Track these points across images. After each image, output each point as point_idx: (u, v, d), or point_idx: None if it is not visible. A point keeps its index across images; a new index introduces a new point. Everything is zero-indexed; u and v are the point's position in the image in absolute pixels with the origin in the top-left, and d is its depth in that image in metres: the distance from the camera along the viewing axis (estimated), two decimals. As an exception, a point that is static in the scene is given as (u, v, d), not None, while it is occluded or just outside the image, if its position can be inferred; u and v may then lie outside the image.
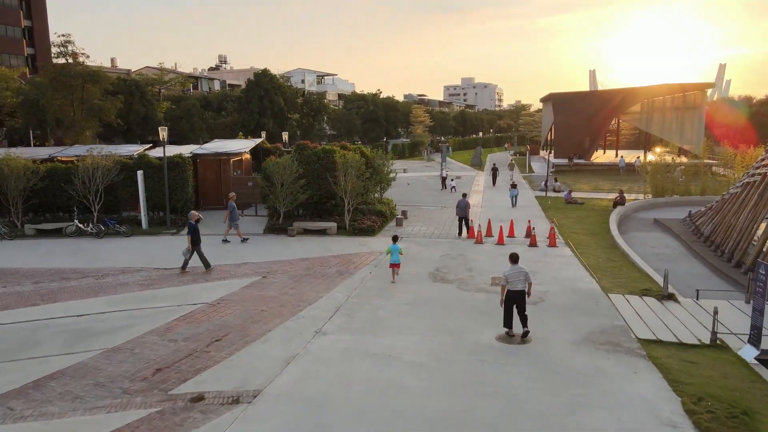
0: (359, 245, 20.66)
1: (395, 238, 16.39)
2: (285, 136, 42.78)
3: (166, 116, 53.76)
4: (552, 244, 20.39)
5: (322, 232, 22.48)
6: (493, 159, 72.96)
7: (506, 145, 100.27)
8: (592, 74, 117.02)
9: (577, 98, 55.08)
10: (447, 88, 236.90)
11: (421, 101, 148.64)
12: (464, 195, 24.23)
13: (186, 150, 26.75)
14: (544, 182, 38.48)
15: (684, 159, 51.59)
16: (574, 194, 34.42)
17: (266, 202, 23.05)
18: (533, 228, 21.71)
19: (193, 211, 18.06)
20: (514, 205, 32.86)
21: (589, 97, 53.82)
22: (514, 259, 12.08)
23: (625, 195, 29.17)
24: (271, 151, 29.90)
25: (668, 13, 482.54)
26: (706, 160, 50.39)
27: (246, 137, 43.71)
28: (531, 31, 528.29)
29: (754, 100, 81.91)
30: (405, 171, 54.88)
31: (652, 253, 20.47)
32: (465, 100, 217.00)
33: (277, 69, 70.63)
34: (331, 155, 23.32)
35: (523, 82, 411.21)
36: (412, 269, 17.04)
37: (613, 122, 56.60)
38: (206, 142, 34.22)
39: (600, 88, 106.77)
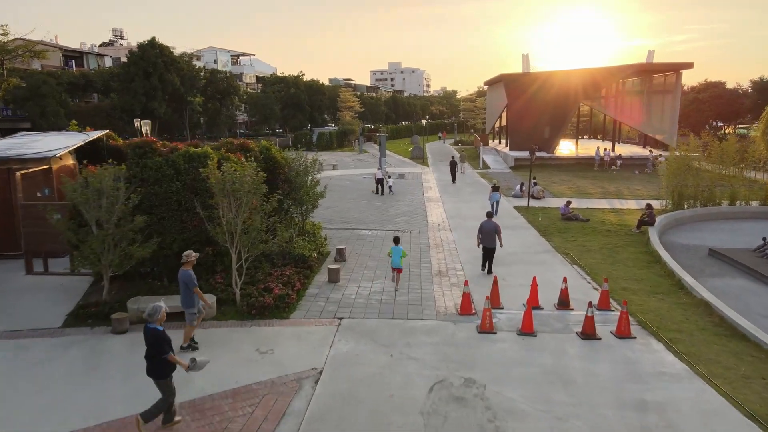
0: (256, 355, 10.21)
1: (396, 240, 14.38)
2: (142, 125, 30.08)
3: (10, 96, 39.97)
4: (623, 331, 10.93)
5: (183, 316, 11.67)
6: (432, 150, 63.85)
7: (440, 134, 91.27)
8: (526, 59, 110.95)
9: (534, 80, 47.01)
10: (374, 72, 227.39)
11: (348, 86, 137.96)
12: (488, 216, 16.04)
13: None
14: (519, 186, 29.46)
15: (657, 152, 44.68)
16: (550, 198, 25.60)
17: (77, 262, 11.84)
18: (566, 287, 12.42)
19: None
20: (495, 213, 24.00)
21: (549, 79, 46.01)
22: None
23: (654, 212, 20.51)
24: (121, 152, 18.50)
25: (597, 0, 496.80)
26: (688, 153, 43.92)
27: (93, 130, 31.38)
28: (455, 17, 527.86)
29: (686, 87, 78.20)
30: (335, 167, 44.44)
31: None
32: (392, 86, 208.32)
33: (185, 47, 57.63)
34: (200, 162, 12.62)
35: (450, 68, 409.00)
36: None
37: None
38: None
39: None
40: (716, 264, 16.85)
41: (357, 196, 30.29)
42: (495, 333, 11.05)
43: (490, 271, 15.32)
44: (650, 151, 41.02)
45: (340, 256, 16.43)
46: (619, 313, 11.22)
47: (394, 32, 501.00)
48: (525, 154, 44.19)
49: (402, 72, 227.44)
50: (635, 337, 10.82)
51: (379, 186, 30.93)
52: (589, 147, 53.87)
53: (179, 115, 53.01)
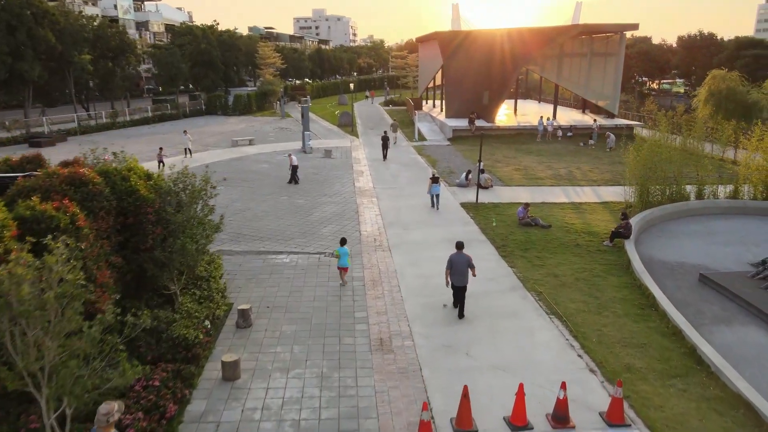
0: None
1: (343, 241, 14.19)
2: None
3: None
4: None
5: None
6: (362, 114, 58.82)
7: (368, 93, 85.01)
8: (455, 9, 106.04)
9: (472, 40, 42.73)
10: (297, 20, 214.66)
11: (270, 35, 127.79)
12: (458, 248, 12.49)
13: None
14: (464, 174, 25.60)
15: (600, 119, 42.29)
16: (499, 186, 22.12)
17: None
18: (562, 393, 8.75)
19: None
20: (435, 207, 21.13)
21: (487, 39, 41.88)
22: None
23: (630, 222, 17.23)
24: None
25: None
26: (626, 121, 41.88)
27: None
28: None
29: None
30: (251, 142, 38.81)
31: None
32: (317, 35, 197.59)
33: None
34: None
35: (376, 15, 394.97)
36: None
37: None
38: None
39: (465, 27, 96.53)
40: (712, 297, 13.84)
41: (275, 188, 25.32)
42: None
43: (462, 315, 12.26)
44: (594, 120, 38.40)
45: (244, 319, 11.90)
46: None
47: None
48: (464, 123, 40.47)
49: (327, 20, 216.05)
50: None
51: (293, 174, 26.09)
52: (527, 110, 50.94)
53: (61, 78, 44.56)
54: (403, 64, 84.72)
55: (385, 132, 35.05)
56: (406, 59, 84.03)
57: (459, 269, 12.12)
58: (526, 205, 19.50)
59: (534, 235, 18.24)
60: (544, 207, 21.70)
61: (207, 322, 11.33)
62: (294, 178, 26.05)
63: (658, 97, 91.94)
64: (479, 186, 23.25)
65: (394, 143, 36.85)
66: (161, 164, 28.08)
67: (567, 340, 11.36)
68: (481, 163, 27.44)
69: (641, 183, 20.81)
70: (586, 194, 24.07)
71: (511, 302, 13.14)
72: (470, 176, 25.30)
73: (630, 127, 41.17)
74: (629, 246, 16.25)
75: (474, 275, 12.26)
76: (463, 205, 22.10)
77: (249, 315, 11.97)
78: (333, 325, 12.01)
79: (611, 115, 43.58)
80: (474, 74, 42.94)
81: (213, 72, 64.12)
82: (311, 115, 58.24)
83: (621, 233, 16.84)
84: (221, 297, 12.62)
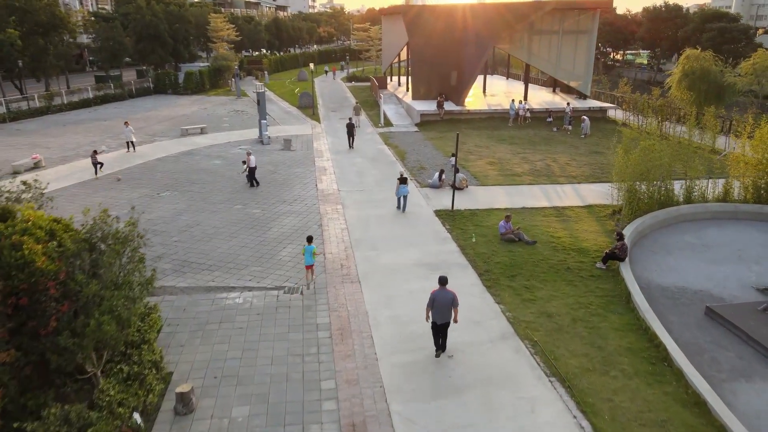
0: None
1: (310, 239, 14.12)
2: None
3: None
4: None
5: None
6: (323, 93, 55.64)
7: (327, 69, 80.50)
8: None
9: (439, 16, 40.02)
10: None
11: (223, 2, 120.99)
12: (442, 284, 10.96)
13: None
14: (437, 174, 23.48)
15: (572, 101, 40.69)
16: (475, 186, 20.23)
17: None
18: None
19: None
20: (402, 209, 20.14)
21: (457, 15, 39.26)
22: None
23: (625, 244, 15.51)
24: None
25: None
26: (599, 103, 40.14)
27: None
28: None
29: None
30: (203, 131, 35.68)
31: None
32: (275, 1, 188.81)
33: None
34: None
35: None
36: None
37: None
38: None
39: (431, 0, 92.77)
40: (724, 338, 12.34)
41: (229, 193, 22.68)
42: None
43: (443, 348, 11.34)
44: (567, 103, 36.66)
45: (184, 404, 9.67)
46: None
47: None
48: (432, 107, 38.19)
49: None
50: None
51: (250, 177, 23.42)
52: (496, 88, 48.81)
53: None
54: (366, 37, 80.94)
55: (350, 118, 32.59)
56: (368, 32, 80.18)
57: (442, 308, 10.75)
58: (508, 217, 17.59)
59: (519, 254, 16.40)
60: (524, 214, 19.90)
61: (136, 416, 9.05)
62: (252, 181, 23.40)
63: (622, 69, 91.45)
64: (454, 187, 21.21)
65: (358, 127, 34.46)
66: (98, 166, 24.89)
67: (575, 417, 9.59)
68: (454, 158, 25.52)
69: (630, 188, 19.14)
70: (567, 195, 22.37)
71: (504, 359, 11.27)
72: (444, 176, 23.24)
73: (603, 110, 39.71)
74: (626, 272, 14.60)
75: (456, 321, 10.93)
76: (438, 213, 20.06)
77: (190, 398, 9.73)
78: (295, 405, 9.91)
79: (583, 96, 41.99)
80: (442, 53, 40.44)
81: (161, 47, 59.37)
82: (269, 94, 54.87)
83: (616, 255, 15.16)
84: (155, 373, 10.27)
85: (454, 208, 20.33)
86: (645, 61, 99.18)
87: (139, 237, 10.15)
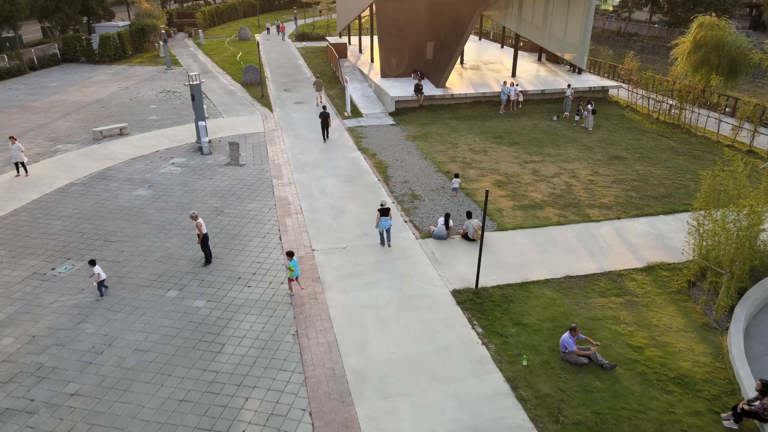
0: None
1: (290, 254, 13.85)
2: None
3: None
4: None
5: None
6: (271, 62, 47.44)
7: (272, 25, 69.13)
8: None
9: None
10: None
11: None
12: None
13: None
14: (442, 219, 17.50)
15: (570, 79, 35.14)
16: (491, 232, 14.82)
17: None
18: None
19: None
20: (387, 245, 16.51)
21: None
22: None
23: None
24: None
25: None
26: (598, 79, 34.44)
27: None
28: None
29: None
30: (122, 131, 28.20)
31: None
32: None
33: None
34: None
35: None
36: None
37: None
38: None
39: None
40: None
41: (160, 267, 16.06)
42: None
43: None
44: (568, 85, 30.98)
45: None
46: None
47: None
48: (407, 91, 31.75)
49: None
50: None
51: (208, 253, 16.29)
52: (478, 55, 42.12)
53: None
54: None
55: (324, 107, 27.74)
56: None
57: None
58: (574, 329, 12.14)
59: (601, 396, 11.14)
60: (573, 292, 14.60)
61: None
62: (207, 255, 16.37)
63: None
64: (449, 229, 15.52)
65: (318, 105, 29.00)
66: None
67: None
68: (458, 181, 20.16)
69: (734, 261, 13.68)
70: (611, 244, 17.14)
71: None
72: (451, 222, 17.47)
73: (605, 89, 34.35)
74: (780, 449, 9.64)
75: None
76: (459, 297, 14.38)
77: None
78: None
79: (578, 70, 36.40)
80: (416, 19, 33.56)
81: (66, 3, 48.90)
82: (205, 61, 46.33)
83: (759, 415, 10.14)
84: None
85: (479, 286, 14.75)
86: (610, 8, 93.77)
87: None
